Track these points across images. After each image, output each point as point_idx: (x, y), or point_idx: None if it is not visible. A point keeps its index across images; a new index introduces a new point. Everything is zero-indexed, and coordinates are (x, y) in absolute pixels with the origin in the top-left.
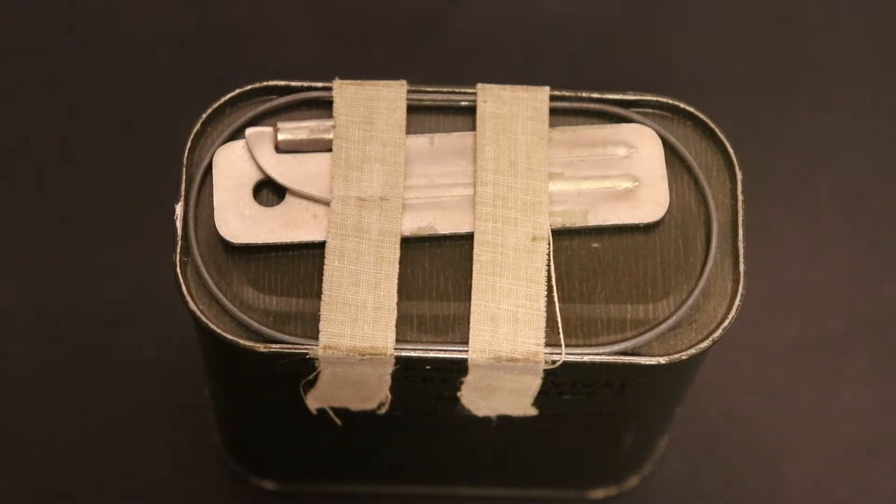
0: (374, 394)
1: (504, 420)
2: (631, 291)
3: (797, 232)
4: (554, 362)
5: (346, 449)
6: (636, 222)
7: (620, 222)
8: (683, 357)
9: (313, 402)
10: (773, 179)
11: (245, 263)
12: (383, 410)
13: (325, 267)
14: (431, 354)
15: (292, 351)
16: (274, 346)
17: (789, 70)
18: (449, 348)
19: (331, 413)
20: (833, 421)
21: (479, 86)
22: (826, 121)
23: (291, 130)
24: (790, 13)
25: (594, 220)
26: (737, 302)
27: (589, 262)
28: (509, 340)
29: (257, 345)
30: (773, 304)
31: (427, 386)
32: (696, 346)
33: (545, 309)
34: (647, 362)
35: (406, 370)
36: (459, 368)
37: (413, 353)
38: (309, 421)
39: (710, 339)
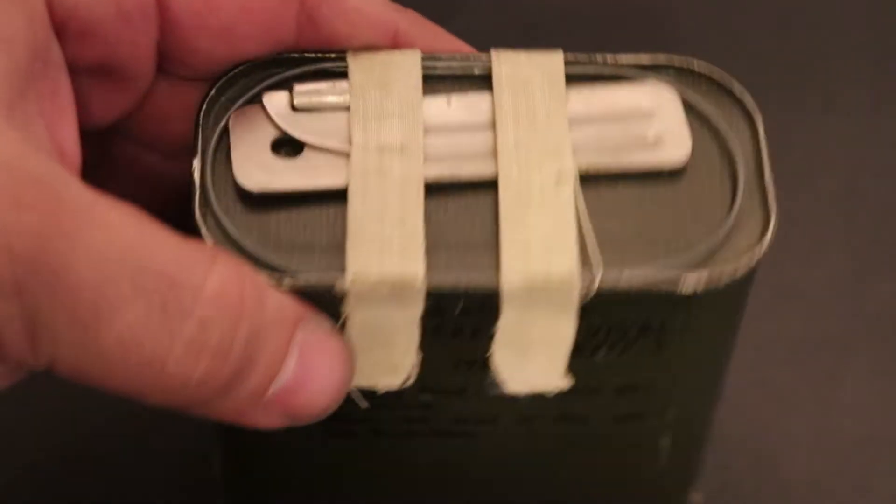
0: (402, 358)
1: (534, 414)
2: (661, 228)
3: (797, 232)
4: (589, 289)
5: (366, 466)
6: (660, 166)
7: (645, 166)
8: (723, 281)
9: None
10: (773, 179)
11: (265, 214)
12: (410, 382)
13: (348, 208)
14: (464, 284)
15: (319, 283)
16: (300, 278)
17: (789, 70)
18: (481, 276)
19: (357, 395)
20: (834, 420)
21: (492, 50)
22: (826, 121)
23: (307, 91)
24: (790, 13)
25: (617, 166)
26: (769, 233)
27: (616, 204)
28: (543, 263)
29: (284, 276)
30: (774, 303)
31: (457, 345)
32: (732, 273)
33: (576, 238)
34: (684, 286)
35: (436, 315)
36: (492, 306)
37: (444, 283)
38: (326, 432)
39: (747, 266)
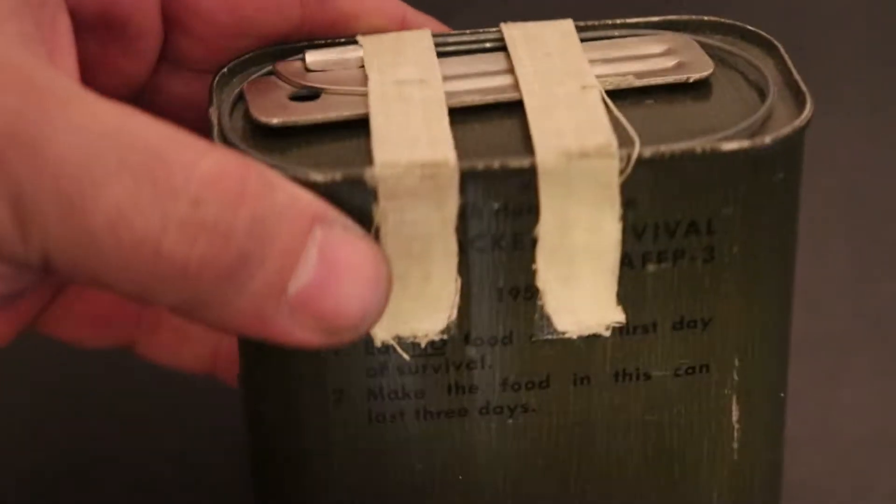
0: (442, 285)
1: (589, 372)
2: (694, 128)
3: (799, 232)
4: (629, 159)
5: (414, 459)
6: (685, 78)
7: (668, 82)
8: (767, 144)
9: (378, 327)
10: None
11: (284, 148)
12: (452, 318)
13: (371, 125)
14: (498, 164)
15: (348, 174)
16: (325, 174)
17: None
18: (515, 157)
19: (398, 348)
20: (834, 420)
21: (502, 24)
22: (826, 121)
23: (320, 54)
24: (790, 13)
25: (641, 83)
26: (807, 108)
27: (646, 113)
28: (577, 140)
29: (309, 173)
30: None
31: (498, 263)
32: (775, 138)
33: (609, 125)
34: (727, 146)
35: (473, 218)
36: (530, 204)
37: (478, 166)
38: (369, 416)
39: (791, 130)
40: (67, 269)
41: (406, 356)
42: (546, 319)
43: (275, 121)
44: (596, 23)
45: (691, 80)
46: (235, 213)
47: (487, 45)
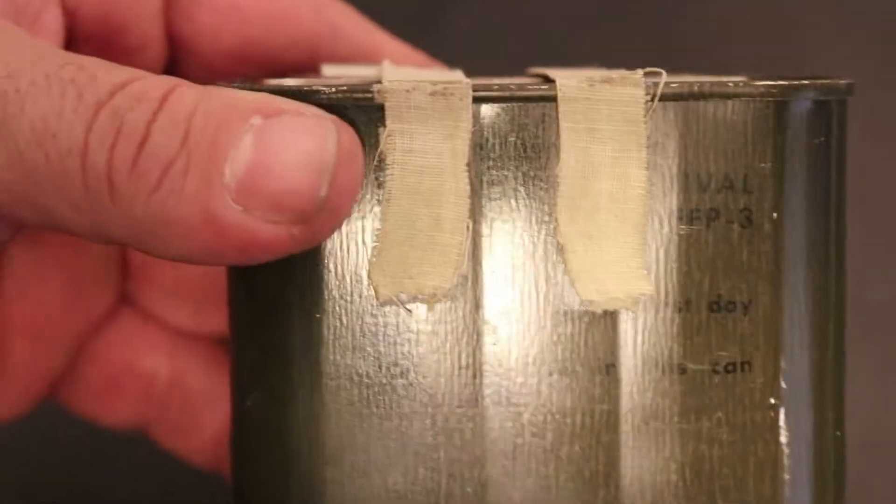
0: (451, 233)
1: (615, 360)
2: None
3: None
4: (656, 89)
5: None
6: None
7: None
8: (803, 82)
9: (381, 281)
10: None
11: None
12: (462, 269)
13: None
14: (515, 87)
15: (354, 87)
16: (331, 87)
17: (788, 70)
18: (533, 84)
19: (402, 306)
20: None
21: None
22: None
23: (337, 68)
24: (789, 13)
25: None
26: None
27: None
28: (600, 75)
29: (316, 86)
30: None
31: (513, 207)
32: (812, 86)
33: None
34: (764, 82)
35: (486, 149)
36: (547, 141)
37: (492, 89)
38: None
39: (829, 83)
40: (6, 198)
41: (408, 309)
42: (566, 286)
43: (286, 82)
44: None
45: None
46: (155, 117)
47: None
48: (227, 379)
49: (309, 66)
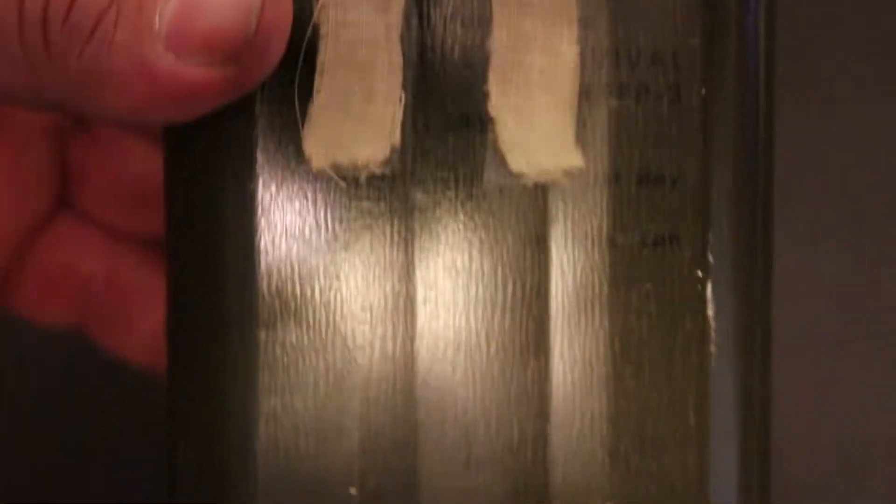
0: (384, 104)
1: (546, 232)
2: None
3: (797, 231)
4: None
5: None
6: None
7: None
8: None
9: (315, 151)
10: None
11: None
12: (396, 143)
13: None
14: None
15: None
16: None
17: (788, 70)
18: None
19: (334, 176)
20: (834, 420)
21: None
22: (825, 121)
23: None
24: (789, 12)
25: None
26: None
27: None
28: None
29: None
30: (773, 303)
31: (445, 86)
32: None
33: None
34: None
35: (420, 17)
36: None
37: None
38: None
39: None
40: None
41: (341, 183)
42: (499, 158)
43: None
44: None
45: None
46: None
47: None
48: (163, 279)
49: None
